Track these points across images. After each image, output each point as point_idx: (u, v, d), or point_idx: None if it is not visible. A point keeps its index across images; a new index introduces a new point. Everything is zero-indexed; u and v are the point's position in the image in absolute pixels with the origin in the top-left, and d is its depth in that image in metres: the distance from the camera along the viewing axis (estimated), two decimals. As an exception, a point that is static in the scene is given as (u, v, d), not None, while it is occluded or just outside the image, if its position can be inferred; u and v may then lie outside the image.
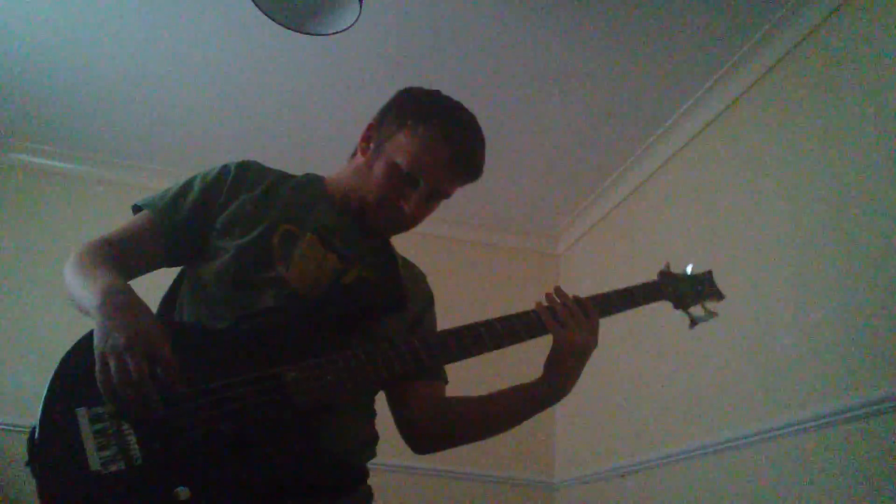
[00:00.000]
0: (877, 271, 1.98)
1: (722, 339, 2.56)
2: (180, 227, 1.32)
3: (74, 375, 1.06)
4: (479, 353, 1.26)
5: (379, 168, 1.32)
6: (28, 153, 3.67)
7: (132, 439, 1.03)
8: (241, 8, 2.56)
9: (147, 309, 1.10)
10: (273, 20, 2.32)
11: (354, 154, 1.42)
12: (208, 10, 2.70)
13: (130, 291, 1.12)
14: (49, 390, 1.06)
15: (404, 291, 1.35)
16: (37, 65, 3.07)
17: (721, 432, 2.45)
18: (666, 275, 1.57)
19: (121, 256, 1.26)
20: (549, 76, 2.88)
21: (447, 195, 1.36)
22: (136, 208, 1.37)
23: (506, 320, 1.29)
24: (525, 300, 1.51)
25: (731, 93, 2.75)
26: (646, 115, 3.04)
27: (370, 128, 1.39)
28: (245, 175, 1.38)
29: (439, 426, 1.38)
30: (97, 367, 1.02)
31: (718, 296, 1.60)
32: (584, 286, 1.61)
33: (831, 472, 1.97)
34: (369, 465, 1.30)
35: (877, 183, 2.04)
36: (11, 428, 3.01)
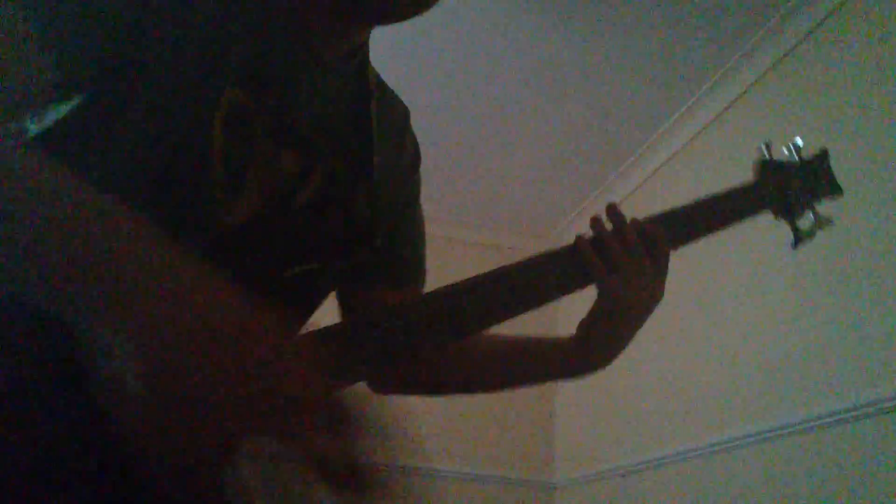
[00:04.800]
0: (877, 271, 1.98)
1: (722, 339, 2.56)
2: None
3: None
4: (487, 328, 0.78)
5: None
6: (28, 153, 3.67)
7: None
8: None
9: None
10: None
11: None
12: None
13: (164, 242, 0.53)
14: None
15: (367, 216, 0.79)
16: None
17: (721, 432, 2.45)
18: (768, 166, 0.99)
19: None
20: (548, 76, 2.87)
21: None
22: None
23: (525, 268, 0.79)
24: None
25: (730, 94, 2.75)
26: (645, 115, 3.04)
27: None
28: None
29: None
30: None
31: (835, 191, 1.03)
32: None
33: (831, 472, 1.97)
34: None
35: (877, 182, 2.04)
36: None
